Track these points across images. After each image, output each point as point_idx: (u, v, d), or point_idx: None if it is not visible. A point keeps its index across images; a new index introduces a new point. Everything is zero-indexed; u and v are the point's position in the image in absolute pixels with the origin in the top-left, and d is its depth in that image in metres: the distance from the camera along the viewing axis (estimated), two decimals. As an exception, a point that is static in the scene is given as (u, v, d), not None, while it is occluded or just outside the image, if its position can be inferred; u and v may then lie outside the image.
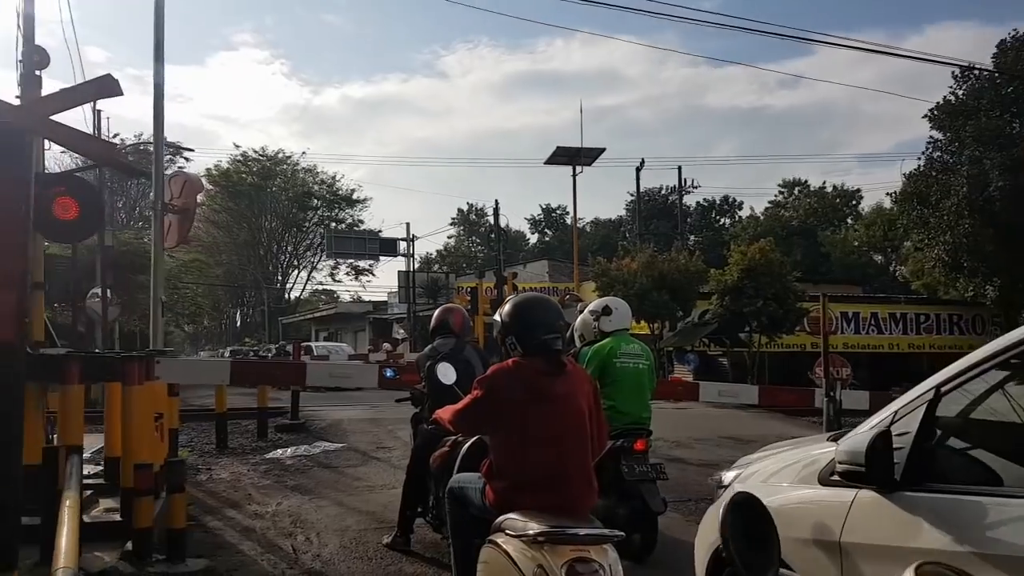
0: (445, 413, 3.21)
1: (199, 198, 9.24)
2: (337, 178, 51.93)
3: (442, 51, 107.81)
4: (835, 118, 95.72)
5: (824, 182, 49.88)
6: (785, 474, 2.77)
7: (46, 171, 6.81)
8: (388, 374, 6.22)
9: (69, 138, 6.54)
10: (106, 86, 6.44)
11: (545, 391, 2.87)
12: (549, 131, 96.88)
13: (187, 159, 44.21)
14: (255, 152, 49.68)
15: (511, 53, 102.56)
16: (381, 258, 34.24)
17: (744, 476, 3.16)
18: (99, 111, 17.02)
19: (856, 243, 40.24)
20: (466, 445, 3.62)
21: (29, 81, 6.23)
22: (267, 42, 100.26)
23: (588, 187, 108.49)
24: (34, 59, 6.19)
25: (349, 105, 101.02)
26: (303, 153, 51.58)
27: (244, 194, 48.95)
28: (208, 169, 49.00)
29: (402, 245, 30.06)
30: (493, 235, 24.84)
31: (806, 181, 49.24)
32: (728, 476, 3.32)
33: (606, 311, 5.05)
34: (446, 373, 3.98)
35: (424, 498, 4.81)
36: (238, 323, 60.78)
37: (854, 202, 46.90)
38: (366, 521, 5.80)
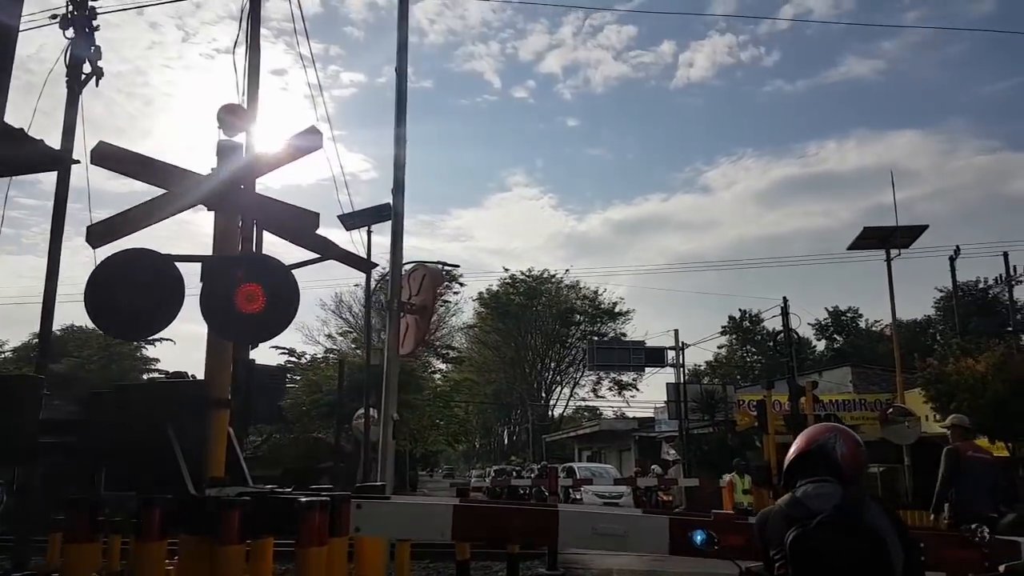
0: None
1: (439, 293, 7.75)
2: (599, 292, 51.56)
3: (704, 167, 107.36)
4: None
5: None
6: None
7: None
8: (698, 539, 3.62)
9: (267, 213, 5.27)
10: (309, 139, 5.06)
11: None
12: (825, 233, 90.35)
13: (461, 284, 46.87)
14: (522, 274, 51.50)
15: (778, 160, 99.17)
16: (647, 370, 31.56)
17: None
18: (370, 230, 17.23)
19: None
20: None
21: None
22: (536, 180, 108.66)
23: (880, 287, 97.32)
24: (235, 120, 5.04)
25: (610, 227, 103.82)
26: (567, 271, 52.03)
27: (512, 314, 50.46)
28: (480, 293, 51.73)
29: (670, 355, 27.19)
30: (774, 340, 21.03)
31: None
32: None
33: None
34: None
35: None
36: (505, 441, 61.34)
37: None
38: None
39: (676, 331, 27.66)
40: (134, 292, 4.62)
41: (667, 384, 26.68)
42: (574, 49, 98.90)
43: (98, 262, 4.73)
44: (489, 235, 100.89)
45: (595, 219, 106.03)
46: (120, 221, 5.24)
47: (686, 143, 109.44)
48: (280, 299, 4.37)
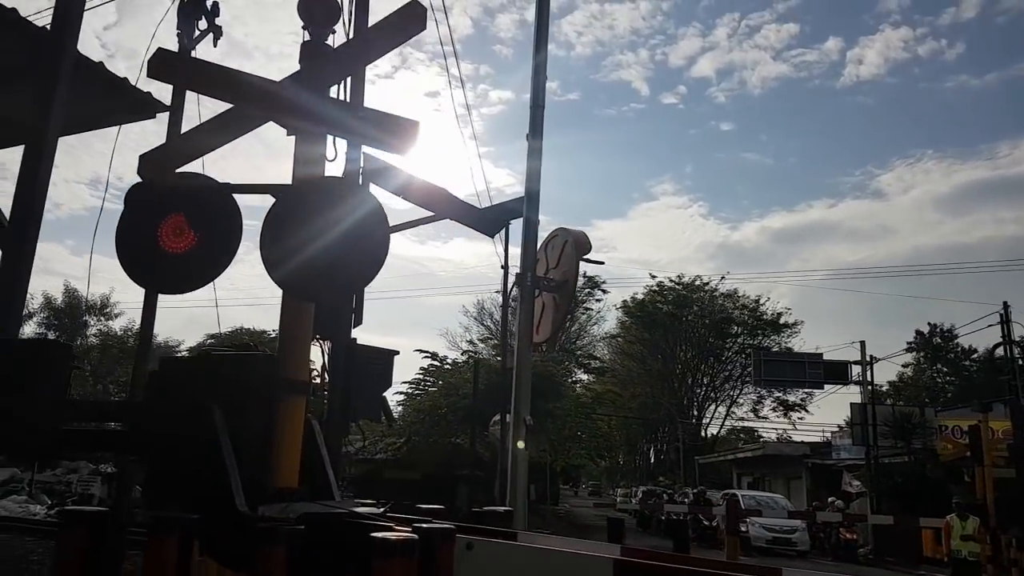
0: None
1: (582, 265, 6.12)
2: (761, 302, 47.44)
3: (876, 170, 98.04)
4: None
5: None
6: None
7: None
8: None
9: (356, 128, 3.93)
10: (409, 17, 3.64)
11: None
12: (1019, 243, 79.39)
13: (604, 291, 44.83)
14: (671, 281, 48.44)
15: (963, 162, 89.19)
16: (825, 387, 27.65)
17: None
18: (508, 224, 15.82)
19: None
20: None
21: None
22: (685, 188, 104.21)
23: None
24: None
25: (768, 236, 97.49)
26: (722, 277, 47.93)
27: (659, 324, 47.52)
28: (624, 301, 49.32)
29: (854, 370, 23.70)
30: (991, 354, 17.40)
31: None
32: None
33: None
34: None
35: None
36: (651, 460, 58.24)
37: None
38: None
39: (862, 343, 23.98)
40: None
41: (851, 404, 23.08)
42: (729, 51, 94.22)
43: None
44: (633, 246, 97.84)
45: (751, 227, 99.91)
46: (178, 146, 4.12)
47: (855, 145, 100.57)
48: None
